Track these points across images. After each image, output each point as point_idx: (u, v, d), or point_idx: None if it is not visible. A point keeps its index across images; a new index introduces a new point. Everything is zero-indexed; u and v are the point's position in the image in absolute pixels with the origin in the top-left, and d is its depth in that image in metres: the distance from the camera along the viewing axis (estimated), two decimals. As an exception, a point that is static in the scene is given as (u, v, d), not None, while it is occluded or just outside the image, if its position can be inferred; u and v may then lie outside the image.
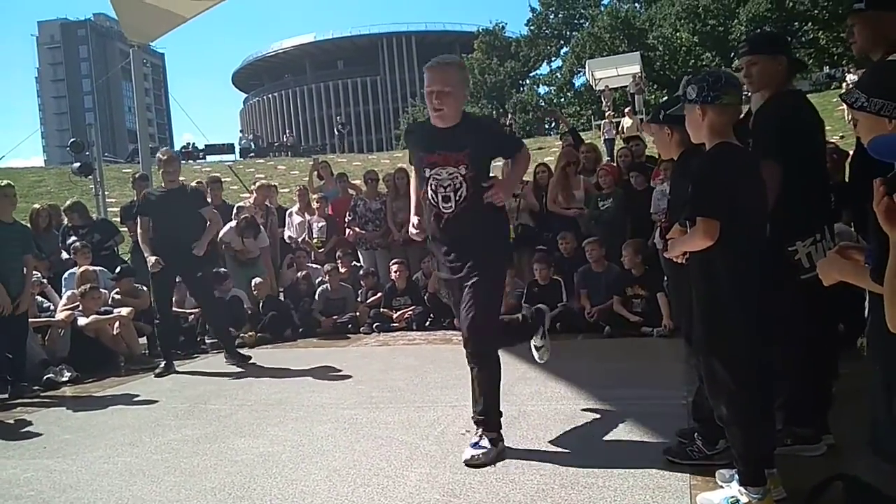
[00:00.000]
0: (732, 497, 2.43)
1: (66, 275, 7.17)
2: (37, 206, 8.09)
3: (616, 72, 28.71)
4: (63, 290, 6.93)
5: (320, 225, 8.50)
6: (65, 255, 7.58)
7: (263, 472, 3.22)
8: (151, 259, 5.81)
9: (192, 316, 7.03)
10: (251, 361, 6.01)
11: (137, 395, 5.07)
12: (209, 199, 7.18)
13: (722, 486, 2.55)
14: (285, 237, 8.71)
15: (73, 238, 7.51)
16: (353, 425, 3.90)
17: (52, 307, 6.59)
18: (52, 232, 7.79)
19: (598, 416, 3.75)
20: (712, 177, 2.43)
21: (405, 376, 5.08)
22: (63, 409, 4.84)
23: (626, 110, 20.09)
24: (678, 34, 36.95)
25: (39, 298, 6.50)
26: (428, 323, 7.23)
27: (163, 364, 5.86)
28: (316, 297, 7.62)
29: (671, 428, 3.22)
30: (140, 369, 6.01)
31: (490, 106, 44.34)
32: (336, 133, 44.01)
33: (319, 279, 7.84)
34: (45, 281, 6.81)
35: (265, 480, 3.10)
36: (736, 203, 2.38)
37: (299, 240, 8.59)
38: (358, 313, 7.49)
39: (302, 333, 7.31)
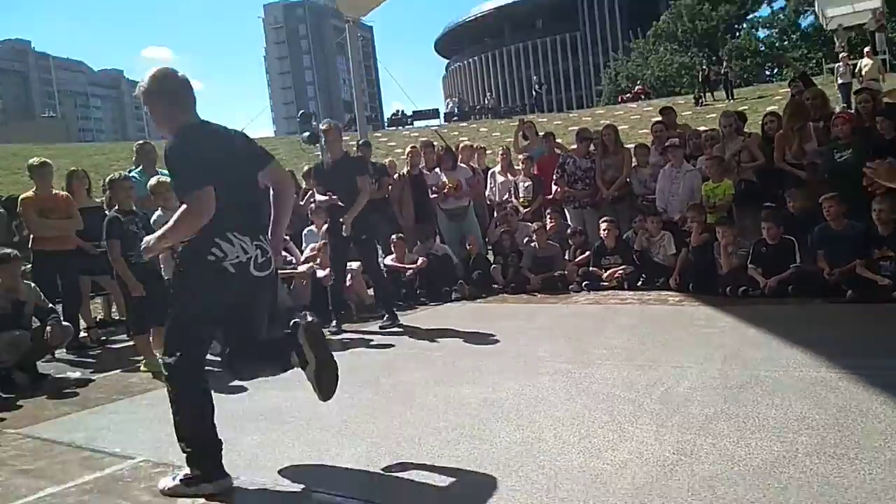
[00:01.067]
0: None
1: (304, 231, 7.99)
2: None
3: (852, 8, 25.15)
4: (303, 245, 7.75)
5: (526, 184, 8.55)
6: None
7: (490, 415, 3.39)
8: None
9: (410, 271, 7.50)
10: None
11: (369, 342, 5.57)
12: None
13: None
14: (487, 198, 8.90)
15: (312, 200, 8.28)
16: (571, 379, 3.94)
17: (293, 260, 7.41)
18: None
19: (844, 385, 3.41)
20: None
21: (620, 335, 5.02)
22: (308, 350, 5.45)
23: (866, 50, 17.60)
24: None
25: (284, 253, 7.33)
26: (640, 283, 7.04)
27: (386, 317, 6.29)
28: (524, 254, 7.74)
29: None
30: (369, 317, 6.58)
31: (701, 54, 41.25)
32: (534, 93, 43.71)
33: (526, 238, 7.94)
34: (287, 238, 7.64)
35: (493, 424, 3.26)
36: None
37: (503, 199, 8.73)
38: (566, 271, 7.49)
39: (511, 289, 7.50)
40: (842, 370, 3.64)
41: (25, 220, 6.25)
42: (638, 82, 41.32)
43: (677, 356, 4.25)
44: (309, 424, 3.50)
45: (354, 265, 7.05)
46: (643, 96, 34.59)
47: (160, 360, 3.07)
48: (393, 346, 5.34)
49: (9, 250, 5.23)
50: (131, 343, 5.93)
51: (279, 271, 6.48)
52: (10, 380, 4.79)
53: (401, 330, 5.95)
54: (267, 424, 3.55)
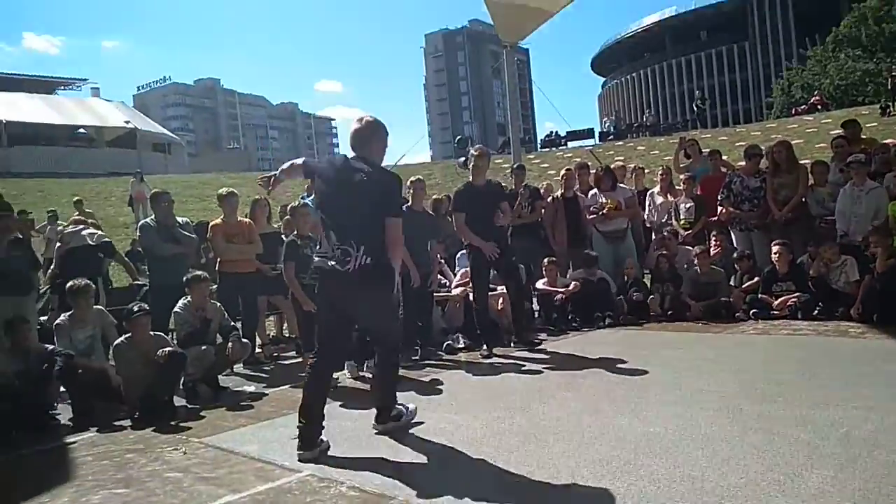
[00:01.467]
0: None
1: (458, 255, 8.18)
2: (436, 196, 9.36)
3: None
4: (457, 268, 7.93)
5: (687, 206, 8.16)
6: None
7: (647, 450, 3.26)
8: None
9: (561, 295, 7.41)
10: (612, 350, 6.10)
11: (521, 366, 5.58)
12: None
13: None
14: (646, 221, 8.61)
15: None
16: (739, 415, 3.70)
17: (447, 283, 7.61)
18: (447, 218, 8.92)
19: None
20: None
21: (794, 369, 4.63)
22: (462, 372, 5.57)
23: None
24: None
25: (438, 276, 7.55)
26: (816, 312, 6.45)
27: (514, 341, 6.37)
28: (685, 280, 7.39)
29: None
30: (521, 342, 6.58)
31: (889, 60, 37.27)
32: (695, 109, 41.70)
33: (687, 263, 7.57)
34: (442, 261, 7.87)
35: (649, 459, 3.14)
36: None
37: (663, 221, 8.40)
38: (732, 298, 7.05)
39: (669, 317, 7.18)
40: None
41: (213, 244, 6.94)
42: (815, 92, 38.11)
43: (860, 395, 3.85)
44: (462, 448, 3.55)
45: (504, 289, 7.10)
46: (820, 107, 31.81)
47: None
48: (543, 371, 5.30)
49: (199, 272, 5.85)
50: (300, 360, 6.39)
51: (434, 294, 6.75)
52: (195, 391, 5.30)
53: (549, 356, 5.90)
54: (419, 444, 3.67)
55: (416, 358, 6.24)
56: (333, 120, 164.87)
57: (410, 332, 6.35)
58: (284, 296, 6.56)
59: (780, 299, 6.69)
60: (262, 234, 6.96)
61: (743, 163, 8.02)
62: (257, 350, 6.85)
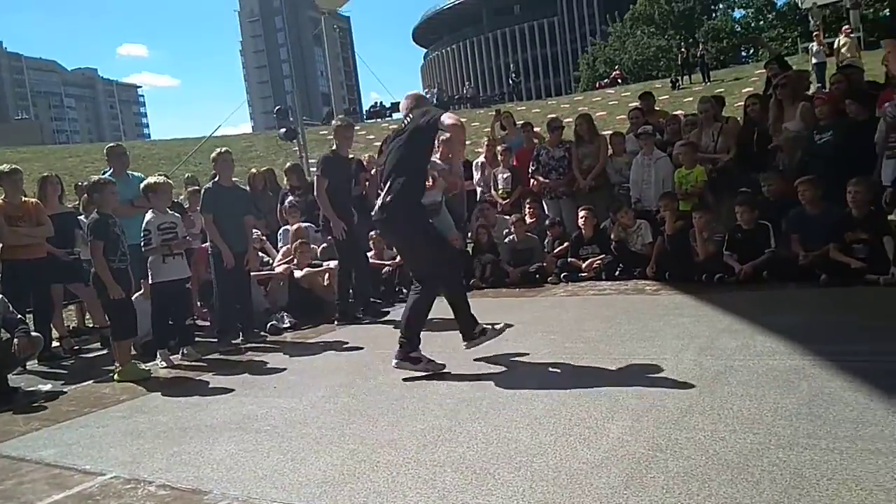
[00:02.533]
0: None
1: (280, 231, 7.92)
2: (254, 170, 8.95)
3: (826, -15, 25.39)
4: (279, 245, 7.67)
5: (505, 176, 8.51)
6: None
7: (467, 416, 3.37)
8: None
9: (388, 268, 7.46)
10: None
11: (347, 343, 5.54)
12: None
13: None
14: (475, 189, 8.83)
15: (291, 198, 8.19)
16: (549, 376, 3.95)
17: (270, 261, 7.34)
18: (267, 193, 8.59)
19: (816, 373, 3.44)
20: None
21: (599, 327, 5.02)
22: (286, 354, 5.42)
23: (844, 28, 17.67)
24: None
25: (260, 253, 7.26)
26: (618, 273, 7.04)
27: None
28: (503, 248, 7.72)
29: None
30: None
31: (678, 36, 41.34)
32: (511, 82, 43.61)
33: (506, 231, 7.91)
34: (264, 238, 7.57)
35: (470, 424, 3.25)
36: None
37: (483, 192, 8.68)
38: (545, 263, 7.49)
39: (490, 283, 7.48)
40: (814, 357, 3.67)
41: (-7, 229, 6.11)
42: (616, 67, 41.38)
43: (653, 348, 4.25)
44: (284, 432, 3.46)
45: (332, 264, 7.00)
46: (620, 81, 34.65)
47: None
48: (367, 347, 5.30)
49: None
50: (105, 352, 5.86)
51: (253, 273, 6.46)
52: (-22, 395, 4.68)
53: (375, 331, 5.91)
54: (241, 434, 3.51)
55: (238, 342, 5.98)
56: (140, 87, 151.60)
57: (230, 315, 6.07)
58: (84, 283, 5.95)
59: (586, 262, 7.21)
60: (54, 216, 6.24)
61: (553, 134, 8.48)
62: (54, 344, 6.19)
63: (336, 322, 6.36)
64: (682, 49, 30.97)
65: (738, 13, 43.75)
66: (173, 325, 5.61)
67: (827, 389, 3.18)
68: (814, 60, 17.38)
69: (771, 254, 5.96)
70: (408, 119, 4.37)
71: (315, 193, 6.43)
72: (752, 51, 38.86)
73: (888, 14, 27.03)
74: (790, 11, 35.62)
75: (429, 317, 4.41)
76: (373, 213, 4.33)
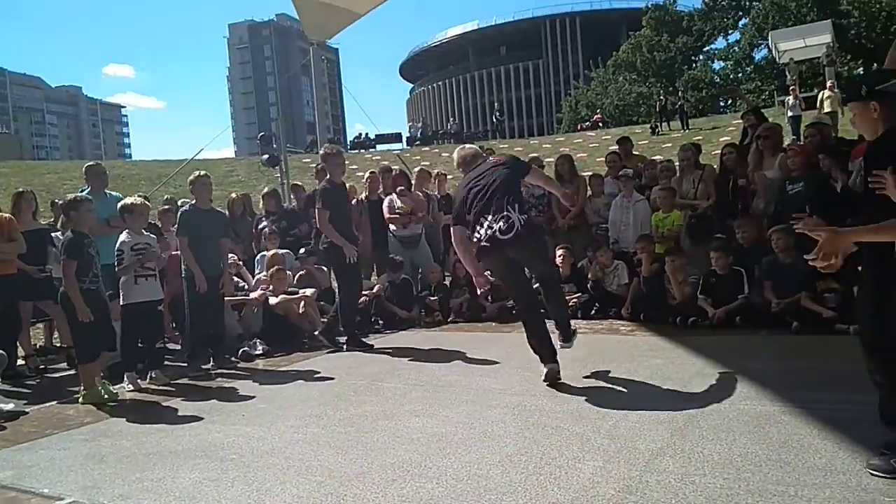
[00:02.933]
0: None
1: (257, 257, 7.86)
2: (233, 195, 8.90)
3: (803, 43, 26.29)
4: (255, 271, 7.61)
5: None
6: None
7: (438, 451, 3.33)
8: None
9: (366, 297, 7.42)
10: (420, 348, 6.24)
11: (319, 372, 5.46)
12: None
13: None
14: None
15: (265, 223, 8.17)
16: (522, 412, 3.92)
17: (246, 287, 7.27)
18: (246, 218, 8.54)
19: (787, 420, 3.46)
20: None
21: (572, 366, 5.00)
22: (256, 381, 5.33)
23: (829, 84, 18.12)
24: (879, -4, 32.97)
25: (235, 278, 7.19)
26: (593, 312, 7.08)
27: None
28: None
29: (871, 438, 2.90)
30: (322, 346, 6.46)
31: (659, 84, 42.32)
32: (495, 120, 44.22)
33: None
34: (240, 263, 7.50)
35: (440, 460, 3.21)
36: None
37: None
38: (522, 300, 7.48)
39: (466, 318, 7.47)
40: (785, 404, 3.70)
41: (-38, 244, 5.99)
42: (597, 111, 42.17)
43: (626, 389, 4.26)
44: (250, 462, 3.39)
45: (308, 292, 6.95)
46: (601, 125, 35.30)
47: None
48: (339, 377, 5.22)
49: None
50: (72, 372, 5.73)
51: (227, 298, 6.40)
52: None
53: (349, 361, 5.86)
54: (206, 462, 3.42)
55: (208, 367, 5.88)
56: (124, 107, 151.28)
57: (201, 340, 5.98)
58: (54, 300, 5.83)
59: (563, 300, 7.22)
60: (27, 232, 6.14)
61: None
62: (19, 362, 6.04)
63: (346, 348, 6.33)
64: (662, 97, 31.69)
65: (717, 65, 44.98)
66: (143, 347, 5.51)
67: (796, 436, 3.20)
68: (790, 113, 17.88)
69: (744, 300, 6.04)
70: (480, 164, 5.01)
71: (318, 225, 6.54)
72: (729, 101, 39.85)
73: (861, 73, 27.99)
74: (768, 66, 36.66)
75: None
76: (502, 237, 4.44)
